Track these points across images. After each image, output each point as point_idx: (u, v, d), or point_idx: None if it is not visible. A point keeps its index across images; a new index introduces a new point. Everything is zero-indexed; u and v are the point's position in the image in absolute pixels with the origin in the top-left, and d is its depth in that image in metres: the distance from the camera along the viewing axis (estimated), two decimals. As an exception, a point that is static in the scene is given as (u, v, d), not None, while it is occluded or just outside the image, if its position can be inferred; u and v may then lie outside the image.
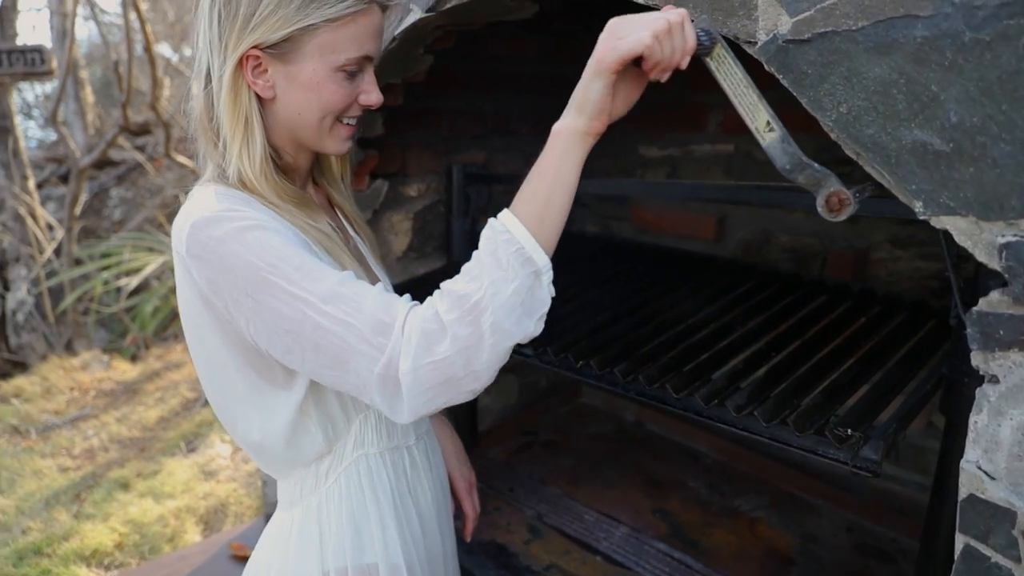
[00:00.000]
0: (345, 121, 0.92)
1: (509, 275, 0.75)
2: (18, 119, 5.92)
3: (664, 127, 2.20)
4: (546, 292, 0.79)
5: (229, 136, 0.88)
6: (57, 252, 4.82)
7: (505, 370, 2.20)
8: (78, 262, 4.85)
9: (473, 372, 0.76)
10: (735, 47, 0.79)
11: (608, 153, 2.29)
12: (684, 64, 0.76)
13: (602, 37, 0.76)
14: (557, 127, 0.80)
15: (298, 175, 0.98)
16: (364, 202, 1.71)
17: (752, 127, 0.73)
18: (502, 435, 2.16)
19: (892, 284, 1.76)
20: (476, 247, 1.85)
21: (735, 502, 1.86)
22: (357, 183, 1.67)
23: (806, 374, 1.12)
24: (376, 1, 0.88)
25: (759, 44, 0.78)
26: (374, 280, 1.03)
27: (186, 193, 0.94)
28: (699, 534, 1.72)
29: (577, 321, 1.39)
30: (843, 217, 0.72)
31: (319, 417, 0.93)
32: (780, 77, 0.78)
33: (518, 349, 1.35)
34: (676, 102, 2.12)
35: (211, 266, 0.80)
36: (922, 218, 0.71)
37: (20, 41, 5.26)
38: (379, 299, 0.77)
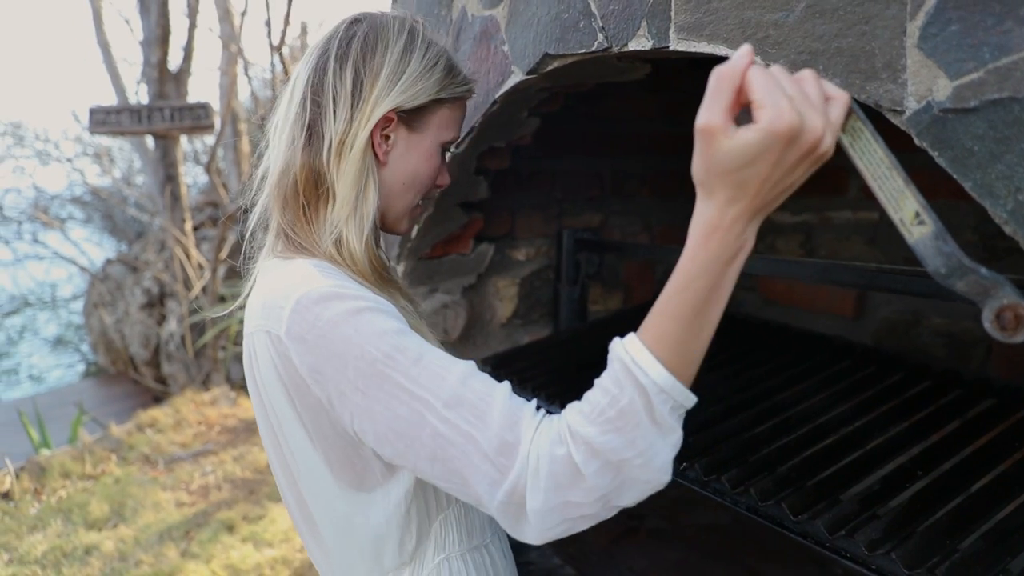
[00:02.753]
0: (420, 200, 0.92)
1: (665, 430, 0.64)
2: (185, 167, 6.52)
3: (798, 191, 2.00)
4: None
5: (342, 200, 0.80)
6: (205, 290, 5.17)
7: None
8: (222, 299, 5.17)
9: (614, 507, 0.66)
10: (875, 117, 0.64)
11: (734, 218, 2.12)
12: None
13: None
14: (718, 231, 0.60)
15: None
16: (468, 266, 1.65)
17: (896, 218, 0.57)
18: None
19: (1078, 385, 1.47)
20: (584, 316, 1.70)
21: (871, 627, 1.59)
22: (461, 247, 1.61)
23: (965, 506, 0.91)
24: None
25: (907, 114, 0.64)
26: None
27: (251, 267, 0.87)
28: (824, 664, 1.47)
29: (688, 412, 1.24)
30: (1021, 339, 0.56)
31: (407, 522, 0.83)
32: (935, 154, 0.62)
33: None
34: (813, 165, 1.93)
35: (316, 351, 0.70)
36: None
37: (191, 99, 5.81)
38: (505, 409, 0.67)
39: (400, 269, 1.56)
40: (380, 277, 0.83)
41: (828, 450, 1.08)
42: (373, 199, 0.82)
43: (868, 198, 1.89)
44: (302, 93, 0.83)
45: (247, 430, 3.64)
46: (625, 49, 0.91)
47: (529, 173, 1.68)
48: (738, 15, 0.76)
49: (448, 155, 0.93)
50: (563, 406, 1.33)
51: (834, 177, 1.95)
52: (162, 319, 6.40)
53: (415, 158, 0.85)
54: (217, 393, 4.23)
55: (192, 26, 5.93)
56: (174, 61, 5.84)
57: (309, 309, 0.71)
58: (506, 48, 1.12)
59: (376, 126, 0.81)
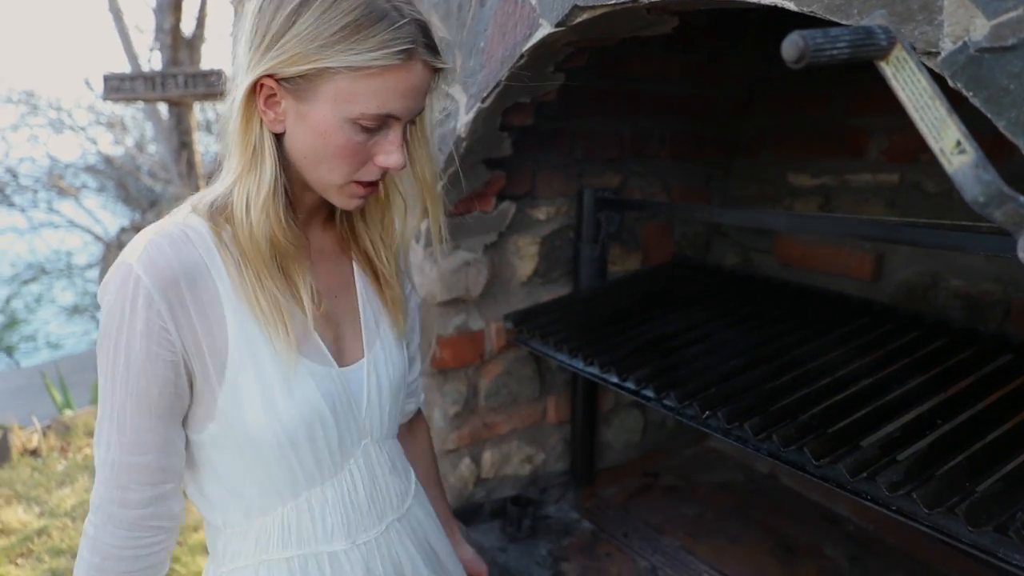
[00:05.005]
0: (360, 180, 0.81)
1: None
2: (199, 134, 6.53)
3: (817, 153, 2.00)
4: None
5: (236, 162, 0.79)
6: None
7: (629, 406, 2.06)
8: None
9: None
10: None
11: (753, 179, 2.12)
12: None
13: None
14: None
15: (302, 210, 0.87)
16: (490, 224, 1.66)
17: (936, 148, 0.59)
18: (621, 474, 2.04)
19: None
20: (603, 275, 1.73)
21: (882, 581, 1.63)
22: (483, 204, 1.63)
23: (983, 452, 0.94)
24: (420, 58, 0.75)
25: (943, 55, 0.65)
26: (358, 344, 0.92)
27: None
28: (837, 614, 1.51)
29: (706, 364, 1.26)
30: (1052, 270, 0.57)
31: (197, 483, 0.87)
32: (969, 94, 0.63)
33: (638, 391, 1.24)
34: (832, 126, 1.93)
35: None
36: None
37: (204, 66, 5.81)
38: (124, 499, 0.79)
39: (424, 226, 1.57)
40: (274, 252, 0.80)
41: (848, 401, 1.10)
42: (271, 166, 0.78)
43: (889, 160, 1.88)
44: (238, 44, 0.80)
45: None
46: (656, -2, 0.92)
47: (550, 132, 1.68)
48: (773, -40, 0.76)
49: (377, 129, 0.78)
50: (586, 360, 1.35)
51: (853, 139, 1.94)
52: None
53: (307, 132, 0.77)
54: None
55: (205, -9, 5.90)
56: (187, 27, 5.83)
57: (107, 288, 0.77)
58: (534, 1, 1.12)
59: (254, 91, 0.76)
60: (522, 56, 1.16)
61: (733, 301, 1.61)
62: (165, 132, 5.66)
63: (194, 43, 5.92)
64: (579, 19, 1.04)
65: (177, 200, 0.91)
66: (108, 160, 9.17)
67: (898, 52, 0.59)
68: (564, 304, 1.67)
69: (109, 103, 6.86)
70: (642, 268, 1.96)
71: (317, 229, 0.92)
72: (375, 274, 0.95)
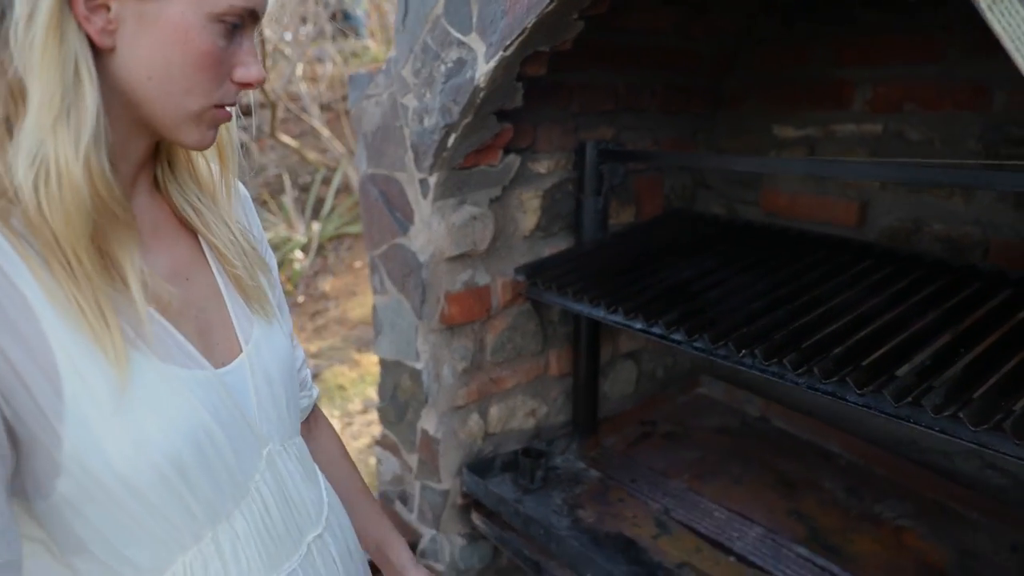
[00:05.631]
0: (221, 103, 0.65)
1: None
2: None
3: (802, 105, 2.05)
4: None
5: (40, 101, 0.55)
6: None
7: (624, 357, 2.10)
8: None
9: None
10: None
11: (738, 131, 2.16)
12: None
13: None
14: None
15: (126, 167, 0.66)
16: (495, 178, 1.65)
17: (1032, 81, 0.62)
18: (620, 424, 2.08)
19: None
20: (605, 227, 1.73)
21: (876, 508, 1.72)
22: (491, 157, 1.62)
23: (1011, 375, 0.99)
24: None
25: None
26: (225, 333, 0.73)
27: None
28: (840, 539, 1.60)
29: (731, 307, 1.30)
30: None
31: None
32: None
33: (666, 335, 1.27)
34: (817, 78, 1.98)
35: None
36: None
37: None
38: None
39: (432, 180, 1.56)
40: (92, 224, 0.58)
41: (874, 335, 1.15)
42: (93, 97, 0.57)
43: (873, 111, 1.94)
44: None
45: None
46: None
47: (550, 85, 1.67)
48: None
49: (237, 31, 0.63)
50: (608, 308, 1.37)
51: (838, 90, 1.99)
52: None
53: (157, 40, 0.58)
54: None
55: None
56: None
57: None
58: (564, -56, 1.11)
59: None
60: (551, 1, 1.15)
61: (739, 247, 1.65)
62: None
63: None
64: (617, -38, 1.04)
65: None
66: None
67: None
68: (572, 256, 1.68)
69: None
70: (640, 220, 1.98)
71: (144, 197, 0.70)
72: (212, 244, 0.76)
